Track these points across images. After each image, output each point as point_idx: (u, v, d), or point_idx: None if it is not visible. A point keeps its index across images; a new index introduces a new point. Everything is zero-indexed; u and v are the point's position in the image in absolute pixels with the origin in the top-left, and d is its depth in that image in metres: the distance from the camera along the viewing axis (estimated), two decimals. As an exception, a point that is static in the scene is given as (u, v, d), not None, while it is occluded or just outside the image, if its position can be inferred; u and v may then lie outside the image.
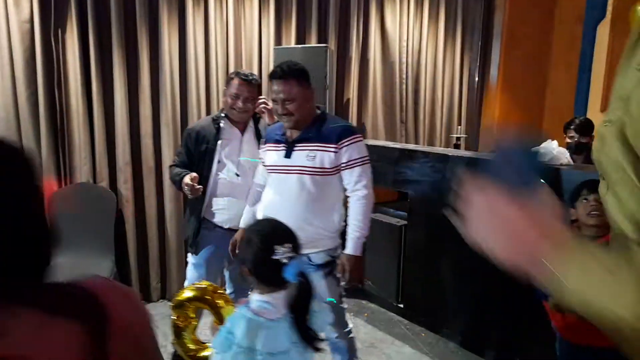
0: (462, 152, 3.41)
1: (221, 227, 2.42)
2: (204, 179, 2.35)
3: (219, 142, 2.38)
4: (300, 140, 2.06)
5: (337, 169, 2.05)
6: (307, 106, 2.05)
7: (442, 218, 2.23)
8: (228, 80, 2.45)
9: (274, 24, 3.57)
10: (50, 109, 3.07)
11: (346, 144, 2.03)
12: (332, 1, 3.70)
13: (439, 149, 3.61)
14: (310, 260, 2.04)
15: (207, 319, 1.91)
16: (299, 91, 2.00)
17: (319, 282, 1.99)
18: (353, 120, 3.94)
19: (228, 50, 3.47)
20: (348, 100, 3.90)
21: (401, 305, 3.37)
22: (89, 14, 3.07)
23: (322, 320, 1.63)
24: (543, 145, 2.54)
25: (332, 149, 2.02)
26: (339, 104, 3.85)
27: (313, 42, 3.65)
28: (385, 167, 3.38)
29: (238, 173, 2.40)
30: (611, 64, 4.09)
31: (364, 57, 3.94)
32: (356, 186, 2.06)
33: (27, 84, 2.98)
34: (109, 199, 3.20)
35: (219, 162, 2.39)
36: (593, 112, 4.35)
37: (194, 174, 2.28)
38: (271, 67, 3.45)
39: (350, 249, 2.06)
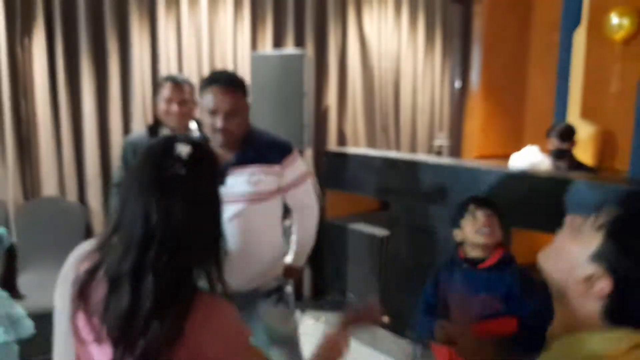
0: (445, 160, 3.37)
1: None
2: None
3: None
4: (235, 163, 1.73)
5: (279, 191, 1.83)
6: (245, 124, 1.77)
7: (425, 228, 2.18)
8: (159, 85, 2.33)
9: (249, 29, 3.48)
10: (15, 120, 2.93)
11: (288, 162, 1.81)
12: (308, 6, 3.63)
13: (421, 157, 3.56)
14: (257, 292, 1.83)
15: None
16: (244, 105, 1.73)
17: (269, 312, 1.83)
18: (332, 127, 3.87)
19: (201, 56, 3.37)
20: (327, 107, 3.83)
21: (384, 319, 3.28)
22: (56, 20, 2.95)
23: None
24: (523, 151, 2.51)
25: (275, 169, 1.78)
26: (317, 110, 3.78)
27: (290, 47, 3.57)
28: (366, 175, 3.31)
29: None
30: (588, 70, 4.12)
31: (342, 63, 3.87)
32: (308, 201, 1.94)
33: (-10, 93, 2.85)
34: (78, 212, 3.06)
35: None
36: (573, 118, 4.36)
37: None
38: (247, 74, 3.39)
39: (301, 261, 1.99)
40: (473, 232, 1.73)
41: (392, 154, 3.61)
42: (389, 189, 3.17)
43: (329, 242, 3.64)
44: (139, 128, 3.18)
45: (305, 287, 3.77)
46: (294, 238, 2.00)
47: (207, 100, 1.69)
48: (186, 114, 2.31)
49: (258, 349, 1.01)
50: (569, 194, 2.20)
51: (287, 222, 2.28)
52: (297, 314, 3.43)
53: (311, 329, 3.32)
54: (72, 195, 3.09)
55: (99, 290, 0.91)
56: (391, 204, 3.22)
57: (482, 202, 1.81)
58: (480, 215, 1.73)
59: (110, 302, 0.89)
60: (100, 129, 3.13)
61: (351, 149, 3.74)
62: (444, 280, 1.83)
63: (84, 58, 3.03)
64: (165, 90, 2.27)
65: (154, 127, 2.34)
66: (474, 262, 1.76)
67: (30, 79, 2.97)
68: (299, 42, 3.65)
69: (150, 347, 0.85)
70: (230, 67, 3.46)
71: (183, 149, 0.92)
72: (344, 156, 3.53)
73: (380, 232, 3.29)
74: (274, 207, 1.84)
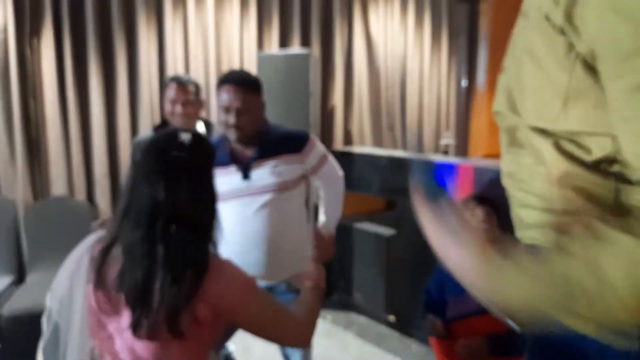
0: (452, 159, 3.35)
1: None
2: None
3: None
4: (257, 157, 1.81)
5: (303, 177, 1.92)
6: (259, 120, 1.86)
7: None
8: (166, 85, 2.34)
9: (255, 29, 3.50)
10: (24, 121, 2.97)
11: (308, 148, 1.90)
12: (314, 6, 3.64)
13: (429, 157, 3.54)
14: (289, 288, 1.86)
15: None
16: (256, 103, 1.82)
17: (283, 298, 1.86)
18: (339, 127, 3.87)
19: (208, 56, 3.39)
20: (333, 107, 3.83)
21: (391, 318, 3.28)
22: (64, 22, 2.98)
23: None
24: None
25: (298, 158, 1.87)
26: (323, 110, 3.78)
27: (296, 47, 3.58)
28: (372, 175, 3.31)
29: None
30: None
31: (348, 63, 3.88)
32: (335, 173, 2.06)
33: (1, 95, 2.88)
34: (86, 212, 3.09)
35: None
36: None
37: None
38: (253, 73, 3.40)
39: (332, 223, 2.05)
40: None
41: (398, 153, 3.60)
42: (395, 189, 3.16)
43: (336, 241, 3.64)
44: (146, 128, 3.21)
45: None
46: (322, 207, 2.06)
47: (221, 98, 1.78)
48: (191, 115, 2.31)
49: (265, 291, 1.17)
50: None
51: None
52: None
53: (318, 327, 3.33)
54: (80, 194, 3.12)
55: (114, 267, 1.03)
56: (397, 203, 3.21)
57: (483, 199, 1.83)
58: (479, 212, 1.76)
59: (125, 272, 1.01)
60: (108, 129, 3.16)
61: (357, 149, 3.74)
62: (441, 272, 1.86)
63: (92, 59, 3.05)
64: (170, 91, 2.27)
65: (160, 128, 2.35)
66: None
67: (39, 80, 3.00)
68: (305, 42, 3.66)
69: (173, 307, 0.98)
70: (236, 67, 3.48)
71: (185, 137, 1.06)
72: (350, 155, 3.52)
73: (386, 231, 3.29)
74: (299, 195, 1.92)
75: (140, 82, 3.20)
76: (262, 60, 3.25)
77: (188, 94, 2.28)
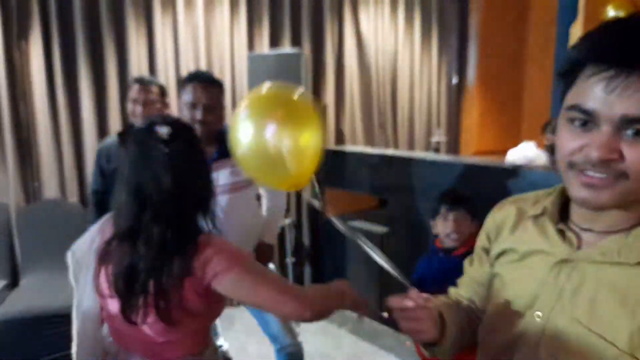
0: (442, 157, 3.38)
1: None
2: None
3: None
4: (217, 157, 1.88)
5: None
6: (222, 118, 1.97)
7: (423, 225, 2.20)
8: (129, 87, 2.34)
9: (245, 29, 3.49)
10: (14, 123, 2.96)
11: None
12: (304, 5, 3.64)
13: (418, 154, 3.58)
14: None
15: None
16: (220, 102, 1.92)
17: None
18: (331, 126, 3.88)
19: (199, 57, 3.39)
20: (325, 106, 3.84)
21: (385, 315, 3.31)
22: (52, 23, 2.96)
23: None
24: (520, 147, 2.53)
25: None
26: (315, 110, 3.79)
27: (286, 46, 3.58)
28: (364, 173, 3.33)
29: None
30: (585, 64, 4.13)
31: (339, 62, 3.89)
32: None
33: (-11, 97, 2.87)
34: (79, 214, 3.08)
35: None
36: (570, 112, 4.39)
37: None
38: (244, 74, 3.40)
39: (273, 238, 2.15)
40: (443, 234, 1.85)
41: (390, 151, 3.62)
42: (387, 186, 3.19)
43: (328, 239, 3.66)
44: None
45: (305, 285, 3.80)
46: (265, 217, 2.16)
47: (187, 94, 1.85)
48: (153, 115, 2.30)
49: (252, 261, 1.20)
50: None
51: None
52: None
53: (312, 325, 3.35)
54: (73, 197, 3.12)
55: (112, 252, 1.11)
56: (389, 201, 3.24)
57: (453, 201, 1.87)
58: (450, 217, 1.82)
59: (115, 260, 1.09)
60: (99, 130, 3.15)
61: (349, 147, 3.76)
62: (423, 267, 1.96)
63: (82, 60, 3.04)
64: (132, 92, 2.27)
65: (123, 133, 2.35)
66: (449, 250, 1.86)
67: (28, 82, 2.99)
68: (296, 42, 3.66)
69: (159, 293, 1.04)
70: (227, 67, 3.48)
71: (162, 130, 1.07)
72: (342, 154, 3.54)
73: (379, 229, 3.31)
74: (253, 192, 2.04)
75: (131, 83, 3.19)
76: (253, 60, 3.26)
77: (149, 94, 2.27)
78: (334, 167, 3.55)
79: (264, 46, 3.57)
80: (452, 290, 1.05)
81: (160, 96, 2.33)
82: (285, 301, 1.11)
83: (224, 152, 1.84)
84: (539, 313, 0.74)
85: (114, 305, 1.11)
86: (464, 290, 1.01)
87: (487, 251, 0.93)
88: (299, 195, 3.81)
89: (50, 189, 3.07)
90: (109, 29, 3.10)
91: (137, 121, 2.27)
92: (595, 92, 0.62)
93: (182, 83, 1.91)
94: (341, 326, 3.30)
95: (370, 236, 3.31)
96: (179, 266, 1.04)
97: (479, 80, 4.58)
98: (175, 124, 1.12)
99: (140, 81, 2.29)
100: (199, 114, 1.82)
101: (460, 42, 4.49)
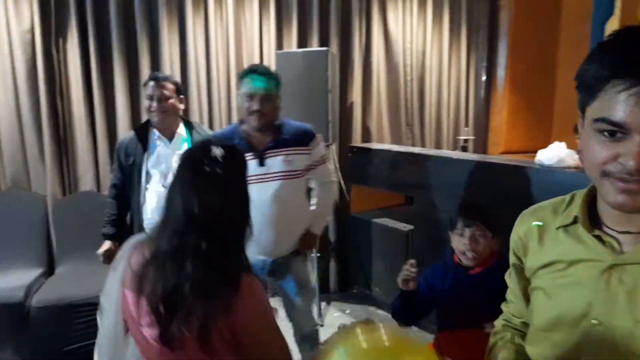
0: (468, 156, 3.35)
1: None
2: (135, 193, 2.34)
3: (145, 153, 2.33)
4: (272, 147, 2.04)
5: (307, 169, 2.14)
6: (277, 112, 2.07)
7: (447, 223, 2.18)
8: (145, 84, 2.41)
9: (274, 28, 3.54)
10: (52, 118, 3.07)
11: (314, 144, 2.14)
12: (333, 4, 3.65)
13: (444, 152, 3.55)
14: (292, 254, 2.15)
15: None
16: (277, 95, 2.04)
17: (302, 268, 2.18)
18: (357, 123, 3.89)
19: (229, 55, 3.45)
20: (352, 103, 3.86)
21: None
22: (89, 22, 3.07)
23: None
24: (551, 147, 2.48)
25: (306, 151, 2.11)
26: (342, 107, 3.81)
27: (314, 46, 3.61)
28: (390, 171, 3.33)
29: (165, 185, 2.30)
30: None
31: (367, 60, 3.89)
32: (328, 177, 2.25)
33: (29, 94, 2.99)
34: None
35: (147, 173, 2.33)
36: (603, 112, 4.26)
37: (108, 246, 2.34)
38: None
39: (319, 229, 2.24)
40: (460, 251, 1.68)
41: (416, 149, 3.61)
42: (413, 184, 3.18)
43: (354, 236, 3.68)
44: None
45: (331, 280, 3.83)
46: (314, 209, 2.28)
47: (245, 86, 1.99)
48: (169, 110, 2.34)
49: (276, 322, 1.17)
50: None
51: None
52: (323, 304, 3.49)
53: (337, 320, 3.38)
54: (107, 189, 3.20)
55: (149, 275, 1.06)
56: (415, 199, 3.23)
57: (470, 215, 1.70)
58: (467, 234, 1.66)
59: (157, 283, 1.03)
60: (133, 125, 3.23)
61: (375, 145, 3.76)
62: (436, 277, 1.82)
63: (117, 59, 3.14)
64: (147, 89, 2.34)
65: (140, 128, 2.42)
66: (465, 268, 1.71)
67: (65, 79, 3.10)
68: (324, 41, 3.68)
69: (204, 322, 1.01)
70: (256, 65, 3.53)
71: (217, 152, 1.08)
72: (368, 151, 3.55)
73: (404, 226, 3.31)
74: (303, 184, 2.15)
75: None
76: (281, 58, 3.29)
77: (164, 90, 2.32)
78: (360, 164, 3.57)
79: (292, 46, 3.60)
80: (504, 309, 1.06)
81: (175, 92, 2.38)
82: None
83: (278, 142, 2.03)
84: (596, 320, 0.76)
85: (148, 332, 1.07)
86: (513, 307, 1.02)
87: (519, 267, 0.95)
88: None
89: (85, 182, 3.18)
90: (142, 28, 3.19)
91: (154, 116, 2.34)
92: (623, 106, 0.66)
93: (241, 75, 2.03)
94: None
95: (395, 234, 3.32)
96: (224, 294, 1.02)
97: (509, 79, 4.50)
98: (229, 147, 1.13)
99: (155, 78, 2.35)
100: (255, 105, 1.96)
101: (490, 40, 4.42)
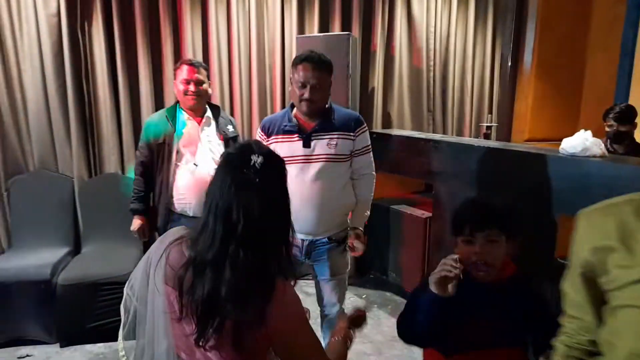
0: (490, 143, 3.29)
1: (185, 216, 2.43)
2: (164, 171, 2.41)
3: (175, 133, 2.40)
4: (318, 130, 2.08)
5: (351, 155, 2.15)
6: (327, 98, 2.12)
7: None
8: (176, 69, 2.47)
9: (296, 13, 3.52)
10: (79, 101, 3.14)
11: (360, 132, 2.15)
12: (355, -12, 3.61)
13: (465, 140, 3.49)
14: (331, 240, 2.17)
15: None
16: (327, 82, 2.06)
17: (336, 257, 2.19)
18: (378, 109, 3.86)
19: (250, 39, 3.45)
20: (373, 89, 3.82)
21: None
22: (113, 6, 3.10)
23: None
24: (576, 135, 2.42)
25: (351, 137, 2.12)
26: (363, 92, 3.78)
27: (336, 30, 3.58)
28: (410, 157, 3.30)
29: (196, 163, 2.41)
30: (656, 47, 3.85)
31: (389, 45, 3.84)
32: (368, 169, 2.23)
33: (55, 76, 3.06)
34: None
35: (177, 152, 2.40)
36: (635, 99, 4.11)
37: (140, 222, 2.48)
38: (294, 56, 3.43)
39: (362, 224, 2.22)
40: (469, 262, 1.35)
41: (436, 136, 3.56)
42: (432, 171, 3.15)
43: (372, 222, 3.67)
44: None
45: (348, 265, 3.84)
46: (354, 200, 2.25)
47: (298, 74, 2.02)
48: (203, 94, 2.46)
49: (309, 324, 1.18)
50: (623, 180, 2.12)
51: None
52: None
53: (353, 304, 3.41)
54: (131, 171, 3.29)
55: (189, 277, 1.08)
56: (435, 186, 3.20)
57: (482, 218, 1.39)
58: (478, 241, 1.36)
59: (195, 286, 1.05)
60: (156, 109, 3.28)
61: (395, 131, 3.73)
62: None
63: (140, 43, 3.18)
64: (183, 72, 2.42)
65: (173, 109, 2.49)
66: (475, 279, 1.39)
67: (91, 62, 3.15)
68: (346, 26, 3.64)
69: (238, 326, 1.03)
70: (278, 50, 3.52)
71: (257, 159, 1.07)
72: (389, 138, 3.52)
73: (422, 213, 3.30)
74: (347, 169, 2.16)
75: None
76: (302, 42, 3.28)
77: (199, 74, 2.43)
78: (380, 150, 3.54)
79: (314, 30, 3.58)
80: (566, 325, 0.96)
81: (207, 77, 2.50)
82: None
83: (323, 126, 2.08)
84: None
85: (186, 328, 1.10)
86: (579, 324, 0.91)
87: (589, 277, 0.86)
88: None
89: (110, 164, 3.26)
90: (165, 12, 3.22)
91: (189, 99, 2.42)
92: None
93: (294, 62, 2.06)
94: (381, 307, 3.33)
95: (413, 220, 3.30)
96: (258, 301, 1.02)
97: (536, 64, 4.38)
98: (268, 154, 1.11)
99: (190, 63, 2.45)
100: (306, 93, 2.01)
101: (517, 24, 4.30)
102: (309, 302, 2.41)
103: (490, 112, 4.29)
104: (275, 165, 1.13)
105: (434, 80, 4.04)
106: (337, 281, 2.23)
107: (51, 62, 3.03)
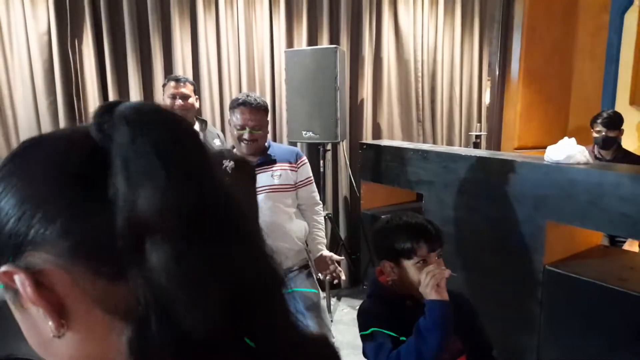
0: (478, 152, 3.32)
1: None
2: None
3: None
4: (260, 164, 2.20)
5: (295, 186, 2.27)
6: (266, 137, 2.23)
7: (458, 220, 2.15)
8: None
9: (284, 26, 3.56)
10: (70, 117, 3.14)
11: (301, 164, 2.30)
12: (343, 1, 3.66)
13: (454, 149, 3.53)
14: (291, 269, 2.24)
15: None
16: (265, 122, 2.17)
17: (303, 283, 2.27)
18: (368, 120, 3.89)
19: (240, 54, 3.49)
20: (362, 100, 3.86)
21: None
22: (103, 23, 3.13)
23: None
24: (560, 143, 2.45)
25: (294, 168, 2.27)
26: (352, 103, 3.81)
27: (325, 43, 3.62)
28: (400, 167, 3.33)
29: None
30: (640, 54, 3.91)
31: (377, 56, 3.88)
32: (314, 199, 2.36)
33: (46, 93, 3.07)
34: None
35: None
36: (621, 105, 4.17)
37: None
38: (283, 70, 3.48)
39: (326, 250, 2.34)
40: (424, 284, 1.29)
41: (426, 145, 3.60)
42: (422, 181, 3.18)
43: (364, 232, 3.70)
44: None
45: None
46: (310, 237, 2.37)
47: (236, 117, 2.13)
48: (190, 108, 2.58)
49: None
50: (607, 186, 2.15)
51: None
52: (333, 300, 3.54)
53: (347, 316, 3.41)
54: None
55: None
56: (424, 195, 3.22)
57: (434, 237, 1.38)
58: (431, 259, 1.33)
59: None
60: (146, 125, 3.32)
61: (385, 141, 3.76)
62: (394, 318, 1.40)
63: (131, 59, 3.20)
64: (169, 89, 2.57)
65: None
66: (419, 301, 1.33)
67: (81, 79, 3.17)
68: (334, 39, 3.69)
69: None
70: (267, 63, 3.56)
71: (228, 164, 1.20)
72: (378, 148, 3.55)
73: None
74: (293, 200, 2.28)
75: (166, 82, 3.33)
76: (290, 55, 3.32)
77: (185, 89, 2.57)
78: (371, 161, 3.58)
79: (302, 44, 3.62)
80: None
81: (193, 92, 2.62)
82: None
83: (265, 160, 2.20)
84: None
85: None
86: None
87: None
88: (335, 188, 3.86)
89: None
90: (155, 28, 3.25)
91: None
92: None
93: (231, 106, 2.16)
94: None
95: (405, 230, 3.32)
96: None
97: (523, 73, 4.44)
98: (238, 160, 1.24)
99: (176, 79, 2.58)
100: (246, 135, 2.11)
101: (504, 33, 4.36)
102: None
103: (480, 121, 4.33)
104: (246, 169, 1.28)
105: (422, 91, 4.08)
106: (314, 309, 2.19)
107: (42, 79, 3.05)
